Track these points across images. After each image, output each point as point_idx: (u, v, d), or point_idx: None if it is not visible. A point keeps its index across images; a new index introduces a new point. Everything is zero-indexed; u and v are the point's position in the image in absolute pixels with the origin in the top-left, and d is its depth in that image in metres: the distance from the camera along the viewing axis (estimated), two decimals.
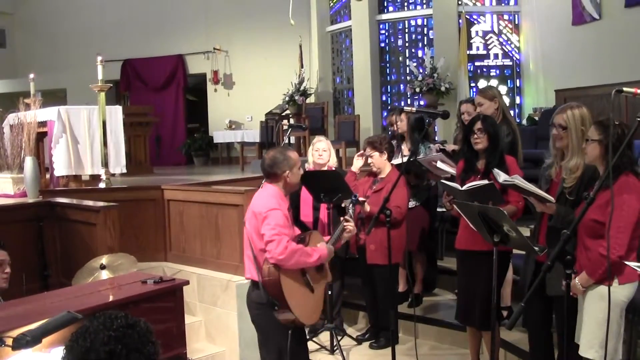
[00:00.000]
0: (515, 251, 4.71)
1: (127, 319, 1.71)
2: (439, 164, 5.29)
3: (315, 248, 3.90)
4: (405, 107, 5.87)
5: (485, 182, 3.99)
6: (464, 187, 4.04)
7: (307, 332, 4.27)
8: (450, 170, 5.08)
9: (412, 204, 5.70)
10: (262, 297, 3.80)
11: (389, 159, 5.46)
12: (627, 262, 3.10)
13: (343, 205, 4.61)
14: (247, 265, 3.98)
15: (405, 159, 5.22)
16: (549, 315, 3.88)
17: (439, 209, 6.18)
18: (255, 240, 3.84)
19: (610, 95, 2.63)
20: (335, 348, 5.40)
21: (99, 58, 7.06)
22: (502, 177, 3.79)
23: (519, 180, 3.66)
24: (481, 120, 4.36)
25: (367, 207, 5.17)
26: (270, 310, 3.79)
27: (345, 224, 4.26)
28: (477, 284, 4.31)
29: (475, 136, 4.33)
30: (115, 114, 7.69)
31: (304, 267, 3.87)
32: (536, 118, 9.22)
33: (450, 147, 5.86)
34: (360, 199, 4.97)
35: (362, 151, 5.57)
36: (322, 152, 5.56)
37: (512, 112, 9.73)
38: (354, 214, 4.52)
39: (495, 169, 3.96)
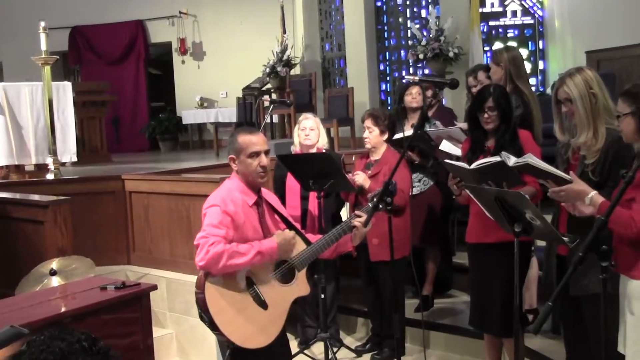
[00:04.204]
0: (539, 243, 4.72)
1: (68, 343, 1.61)
2: (443, 143, 5.28)
3: (254, 243, 3.56)
4: (406, 76, 5.87)
5: (498, 158, 3.92)
6: (473, 165, 4.03)
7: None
8: (455, 150, 5.08)
9: (416, 189, 5.71)
10: None
11: (388, 139, 5.45)
12: None
13: (369, 196, 4.14)
14: None
15: (408, 133, 5.18)
16: (582, 317, 3.87)
17: None
18: None
19: None
20: None
21: (42, 24, 7.01)
22: (512, 159, 3.76)
23: (532, 160, 3.60)
24: (492, 96, 4.31)
25: (368, 196, 5.15)
26: None
27: (354, 220, 3.83)
28: (494, 283, 4.30)
29: (486, 115, 4.32)
30: (64, 92, 7.66)
31: (249, 275, 3.57)
32: None
33: (459, 125, 5.84)
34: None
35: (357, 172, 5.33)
36: (309, 132, 5.55)
37: (534, 80, 9.72)
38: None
39: (503, 152, 3.93)
